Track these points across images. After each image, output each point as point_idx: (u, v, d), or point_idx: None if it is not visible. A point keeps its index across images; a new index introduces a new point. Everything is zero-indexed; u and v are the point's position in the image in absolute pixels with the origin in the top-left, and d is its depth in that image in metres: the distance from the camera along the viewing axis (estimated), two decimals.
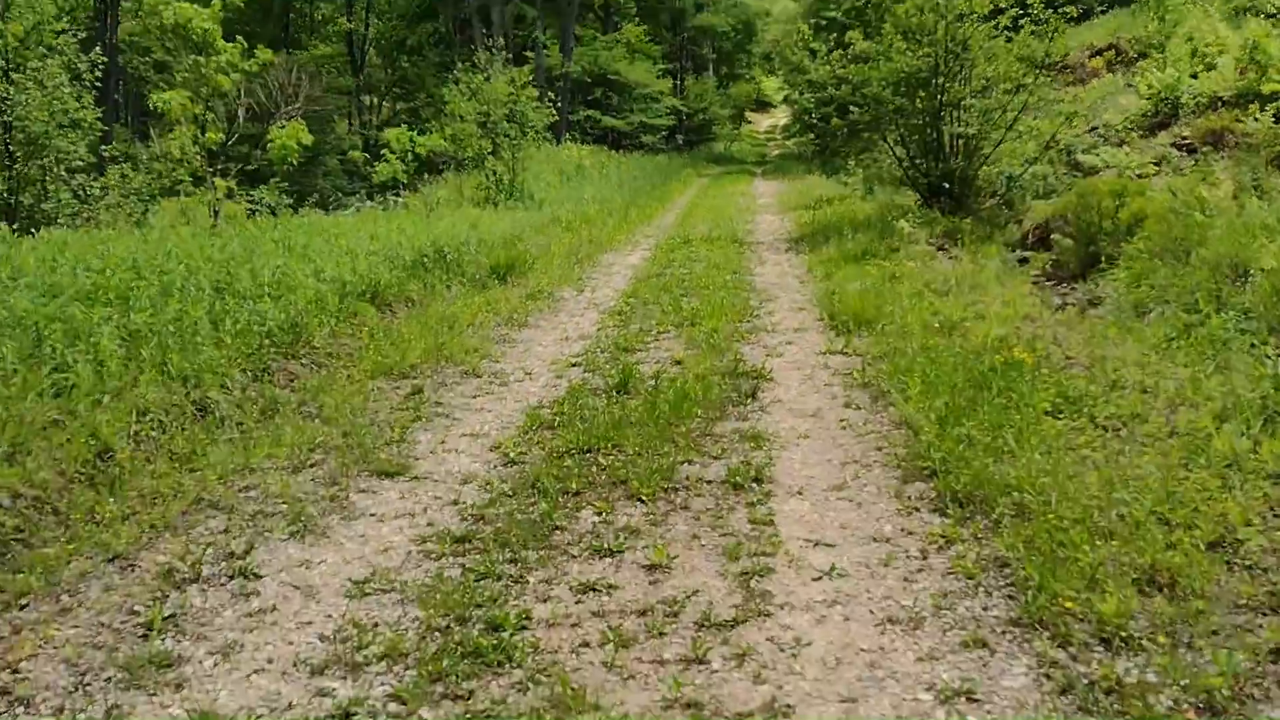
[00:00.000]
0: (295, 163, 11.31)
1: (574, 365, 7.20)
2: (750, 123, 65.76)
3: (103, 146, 14.16)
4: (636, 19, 46.55)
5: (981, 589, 3.61)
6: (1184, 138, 16.56)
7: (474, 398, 6.41)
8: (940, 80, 13.89)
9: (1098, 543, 3.73)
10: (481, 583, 3.73)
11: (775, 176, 31.00)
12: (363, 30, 40.94)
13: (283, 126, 11.15)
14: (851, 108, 15.60)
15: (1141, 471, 4.36)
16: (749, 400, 6.12)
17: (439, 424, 5.85)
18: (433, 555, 4.03)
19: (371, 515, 4.48)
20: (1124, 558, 3.62)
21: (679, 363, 7.12)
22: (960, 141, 14.56)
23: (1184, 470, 4.36)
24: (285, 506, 4.51)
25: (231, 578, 3.85)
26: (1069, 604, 3.36)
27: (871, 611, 3.48)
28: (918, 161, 14.94)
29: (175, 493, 4.59)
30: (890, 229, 12.07)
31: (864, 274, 10.11)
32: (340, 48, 41.64)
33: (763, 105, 71.54)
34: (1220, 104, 16.35)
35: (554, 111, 26.78)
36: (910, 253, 11.02)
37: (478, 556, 3.97)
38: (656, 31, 48.04)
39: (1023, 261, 14.03)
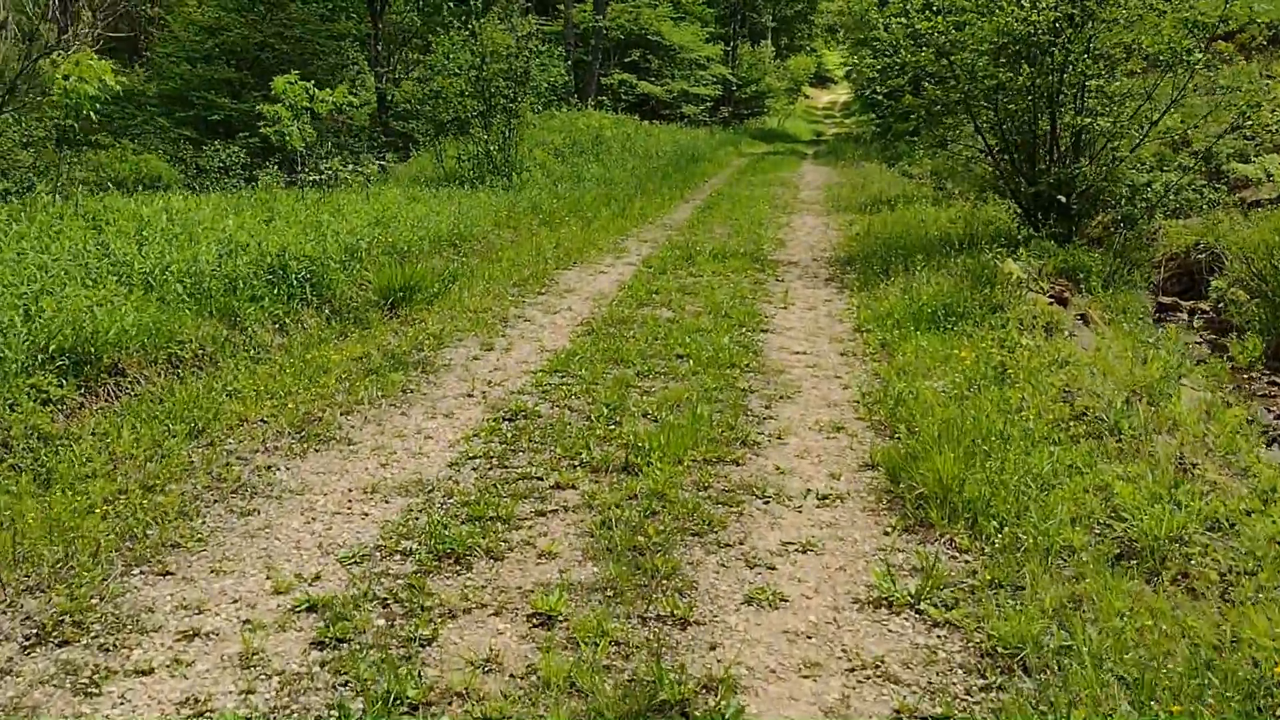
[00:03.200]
0: (94, 112, 7.39)
1: (309, 609, 3.24)
2: (809, 98, 60.92)
3: None
4: None
5: None
6: None
7: None
8: (1063, 47, 9.66)
9: None
10: None
11: (828, 161, 26.63)
12: None
13: (64, 59, 7.25)
14: (924, 83, 11.44)
15: None
16: None
17: None
18: None
19: None
20: None
21: (547, 622, 3.15)
22: (1083, 137, 10.36)
23: None
24: None
25: None
26: None
27: None
28: (1019, 162, 10.72)
29: None
30: (987, 269, 7.91)
31: (949, 356, 6.03)
32: None
33: (823, 80, 66.59)
34: None
35: (565, 70, 22.75)
36: (1021, 313, 6.90)
37: None
38: None
39: (1163, 311, 9.90)
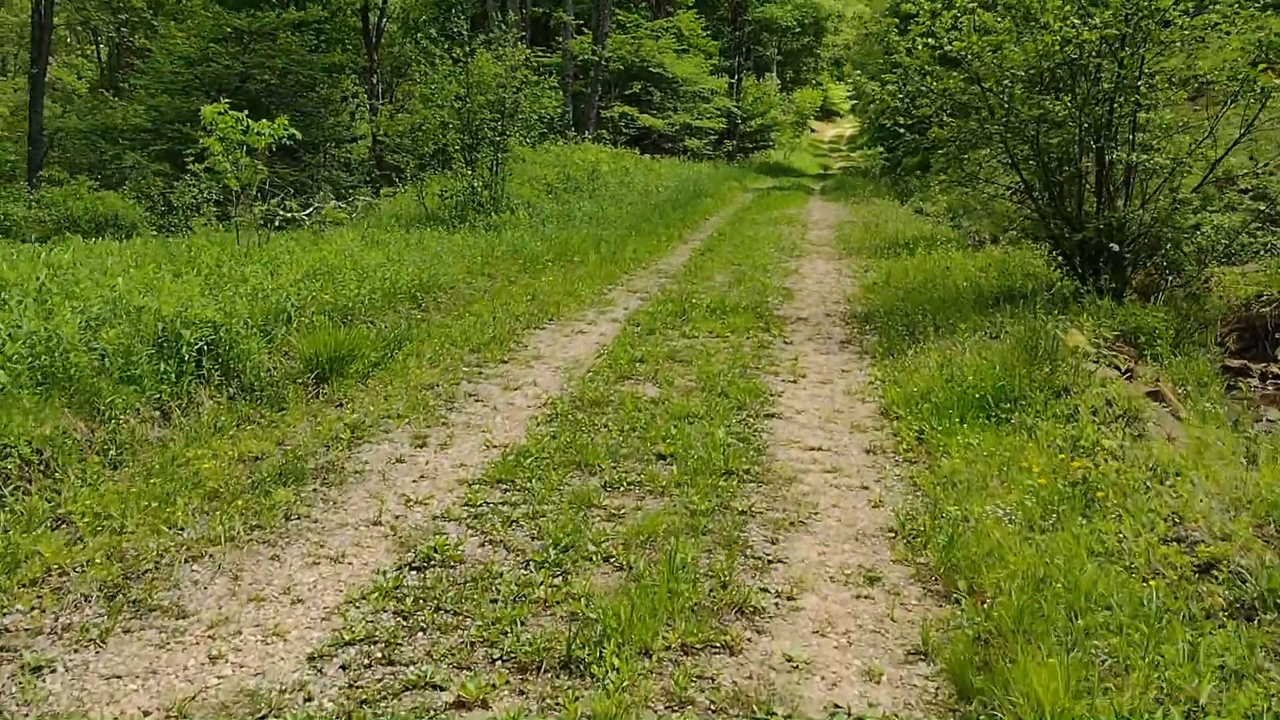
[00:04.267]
0: None
1: None
2: (814, 131, 59.93)
3: None
4: (694, 9, 40.85)
5: None
6: None
7: None
8: (1116, 72, 8.35)
9: None
10: None
11: (836, 197, 25.34)
12: (379, 3, 36.02)
13: None
14: (944, 115, 10.04)
15: None
16: None
17: None
18: None
19: None
20: None
21: None
22: (1135, 176, 9.02)
23: None
24: None
25: None
26: None
27: None
28: (1060, 203, 9.36)
29: None
30: (1043, 337, 6.50)
31: (1009, 461, 4.63)
32: (354, 20, 36.70)
33: (828, 114, 65.75)
34: None
35: (561, 102, 21.54)
36: (1093, 398, 5.50)
37: None
38: (715, 25, 42.40)
39: (1230, 374, 8.47)
